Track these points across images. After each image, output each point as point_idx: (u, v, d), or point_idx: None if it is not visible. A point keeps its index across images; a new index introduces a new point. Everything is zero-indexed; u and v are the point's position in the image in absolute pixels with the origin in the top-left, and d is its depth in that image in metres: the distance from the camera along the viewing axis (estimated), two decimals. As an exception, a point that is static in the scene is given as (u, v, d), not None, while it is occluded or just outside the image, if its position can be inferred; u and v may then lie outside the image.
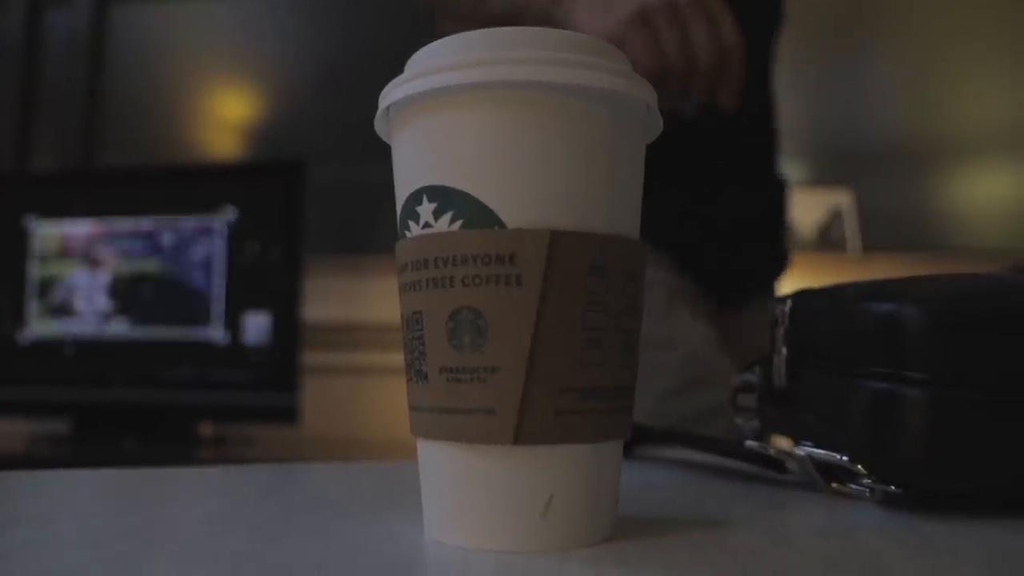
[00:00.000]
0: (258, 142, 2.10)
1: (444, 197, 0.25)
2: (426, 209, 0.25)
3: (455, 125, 0.25)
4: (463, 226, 0.24)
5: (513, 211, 0.24)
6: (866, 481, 0.33)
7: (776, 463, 0.38)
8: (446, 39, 0.26)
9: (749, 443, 0.39)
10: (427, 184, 0.25)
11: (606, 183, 0.25)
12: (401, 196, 0.27)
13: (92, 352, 1.61)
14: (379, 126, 0.28)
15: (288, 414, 1.50)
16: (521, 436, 0.24)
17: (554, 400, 0.24)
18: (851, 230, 1.94)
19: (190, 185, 1.68)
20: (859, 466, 0.33)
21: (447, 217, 0.25)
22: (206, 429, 1.65)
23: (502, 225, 0.24)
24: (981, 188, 1.99)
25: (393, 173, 0.28)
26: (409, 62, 0.27)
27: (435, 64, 0.25)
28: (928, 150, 1.98)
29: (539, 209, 0.24)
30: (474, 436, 0.24)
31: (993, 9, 1.97)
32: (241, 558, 0.23)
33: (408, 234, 0.26)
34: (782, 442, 0.42)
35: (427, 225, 0.25)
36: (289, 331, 1.53)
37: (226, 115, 2.17)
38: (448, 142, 0.25)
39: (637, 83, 0.25)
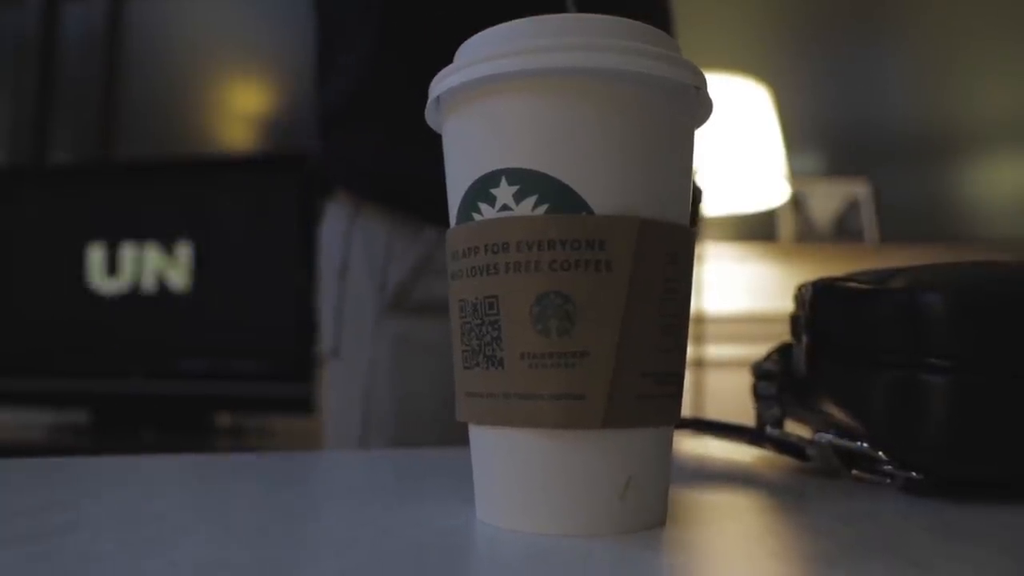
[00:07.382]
0: (275, 135, 2.11)
1: (527, 180, 0.24)
2: (505, 191, 0.24)
3: (548, 109, 0.24)
4: (549, 210, 0.24)
5: (601, 197, 0.24)
6: (887, 468, 0.33)
7: (798, 450, 0.38)
8: (525, 21, 0.25)
9: (770, 430, 0.39)
10: (506, 166, 0.24)
11: (679, 171, 0.26)
12: (466, 178, 0.26)
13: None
14: (430, 116, 0.28)
15: (304, 405, 1.51)
16: (608, 420, 0.24)
17: (636, 384, 0.24)
18: (868, 220, 1.93)
19: (205, 177, 1.69)
20: (880, 453, 0.33)
21: (530, 200, 0.24)
22: (223, 419, 1.66)
23: (590, 211, 0.24)
24: (998, 178, 1.97)
25: (450, 156, 0.27)
26: (465, 46, 0.26)
27: (520, 45, 0.24)
28: (945, 140, 1.97)
29: (626, 196, 0.24)
30: (558, 421, 0.24)
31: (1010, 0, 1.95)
32: (274, 537, 0.23)
33: (478, 216, 0.25)
34: (801, 430, 0.42)
35: (505, 208, 0.24)
36: (305, 322, 1.53)
37: (241, 108, 2.18)
38: (533, 125, 0.24)
39: (690, 69, 0.25)
